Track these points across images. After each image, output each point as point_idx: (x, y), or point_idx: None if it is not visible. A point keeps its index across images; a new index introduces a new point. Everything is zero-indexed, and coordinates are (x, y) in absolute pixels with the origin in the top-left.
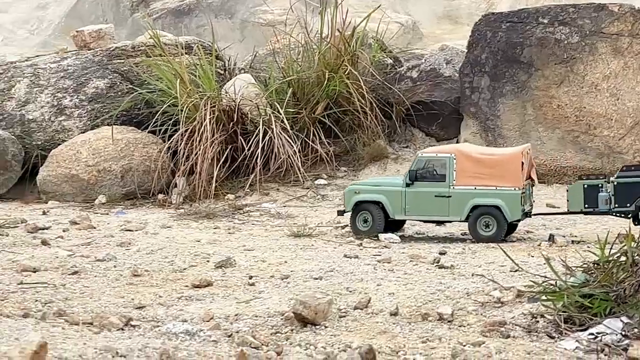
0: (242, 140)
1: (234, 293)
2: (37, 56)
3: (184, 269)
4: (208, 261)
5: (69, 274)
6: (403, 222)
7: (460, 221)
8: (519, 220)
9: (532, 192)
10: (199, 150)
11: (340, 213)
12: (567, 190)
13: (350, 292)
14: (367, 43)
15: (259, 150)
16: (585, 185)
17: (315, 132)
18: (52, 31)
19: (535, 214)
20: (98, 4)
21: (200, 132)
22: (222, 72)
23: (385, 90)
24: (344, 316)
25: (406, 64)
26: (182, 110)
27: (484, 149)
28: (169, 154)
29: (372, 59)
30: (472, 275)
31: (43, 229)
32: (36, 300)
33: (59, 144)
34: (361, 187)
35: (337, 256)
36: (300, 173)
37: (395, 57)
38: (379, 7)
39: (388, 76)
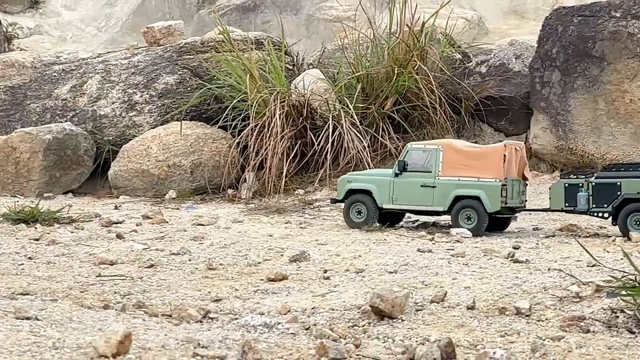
0: (312, 135)
1: (309, 286)
2: (108, 53)
3: (259, 262)
4: (282, 255)
5: (146, 267)
6: (399, 215)
7: (443, 211)
8: (505, 215)
9: (523, 190)
10: (269, 145)
11: (334, 201)
12: (550, 189)
13: (426, 285)
14: (435, 38)
15: (329, 145)
16: (566, 185)
17: (384, 127)
18: (119, 28)
19: (520, 210)
20: (165, 1)
21: (270, 127)
22: (290, 67)
23: (454, 85)
24: (421, 310)
25: (475, 59)
26: (251, 106)
27: (470, 143)
28: (238, 149)
29: (440, 54)
30: (549, 269)
31: (117, 223)
32: (115, 292)
33: (130, 140)
34: (354, 177)
35: (410, 250)
36: (370, 168)
37: (464, 52)
38: (448, 2)
39: (457, 71)
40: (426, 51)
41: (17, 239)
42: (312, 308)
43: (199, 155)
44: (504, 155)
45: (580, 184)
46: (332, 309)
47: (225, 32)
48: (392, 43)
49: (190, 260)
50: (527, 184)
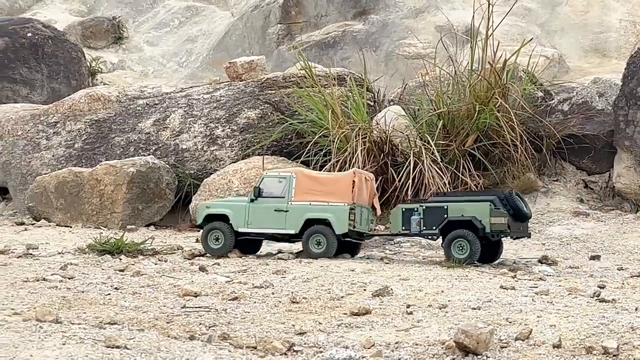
0: (393, 171)
1: (392, 321)
2: (191, 87)
3: (341, 297)
4: (364, 289)
5: (229, 300)
6: (257, 242)
7: (295, 234)
8: (355, 240)
9: (372, 219)
10: None
11: (195, 226)
12: (390, 214)
13: (510, 322)
14: (517, 76)
15: (410, 181)
16: (403, 209)
17: (465, 164)
18: (199, 63)
19: (369, 236)
20: (245, 37)
21: (352, 162)
22: (371, 103)
23: (536, 123)
24: (505, 347)
25: (557, 97)
26: (333, 141)
27: (322, 172)
28: None
29: (522, 91)
30: (636, 309)
31: (199, 255)
32: (200, 324)
33: (211, 173)
34: (212, 203)
35: (492, 287)
36: None
37: (546, 90)
38: (530, 40)
39: (538, 109)
40: (508, 88)
41: (102, 269)
42: (396, 343)
43: None
44: (353, 181)
45: (415, 209)
46: (416, 344)
47: (308, 67)
48: (474, 80)
49: (273, 293)
50: (375, 214)
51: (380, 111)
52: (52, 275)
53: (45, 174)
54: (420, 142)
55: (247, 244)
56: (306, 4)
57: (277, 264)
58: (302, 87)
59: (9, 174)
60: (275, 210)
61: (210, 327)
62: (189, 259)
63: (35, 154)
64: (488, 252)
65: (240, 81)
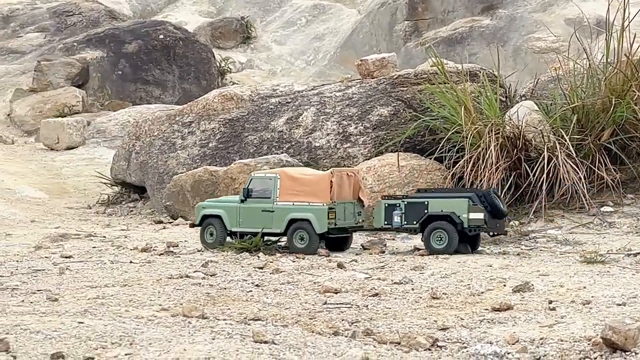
0: (526, 166)
1: (535, 317)
2: (323, 85)
3: (481, 292)
4: (504, 285)
5: (370, 296)
6: (345, 240)
7: (281, 233)
8: (341, 235)
9: (359, 211)
10: (484, 176)
11: (192, 225)
12: (373, 209)
13: None
14: None
15: (544, 176)
16: (386, 205)
17: (601, 159)
18: (327, 61)
19: (356, 230)
20: (372, 34)
21: (485, 158)
22: (503, 99)
23: None
24: None
25: None
26: (466, 137)
27: (304, 170)
28: (453, 180)
29: None
30: None
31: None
32: (343, 320)
33: None
34: (207, 204)
35: (637, 282)
36: (586, 200)
37: None
38: None
39: None
40: None
41: (242, 267)
42: (541, 339)
43: (414, 187)
44: (331, 181)
45: (397, 204)
46: (561, 340)
47: (440, 64)
48: (610, 73)
49: (413, 289)
50: (363, 206)
51: (512, 106)
52: (194, 272)
53: (181, 173)
54: (554, 137)
55: (334, 242)
56: (433, 0)
57: (414, 260)
58: (433, 84)
59: (146, 174)
60: (262, 211)
61: (352, 323)
62: (326, 256)
63: (171, 153)
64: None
65: (372, 78)
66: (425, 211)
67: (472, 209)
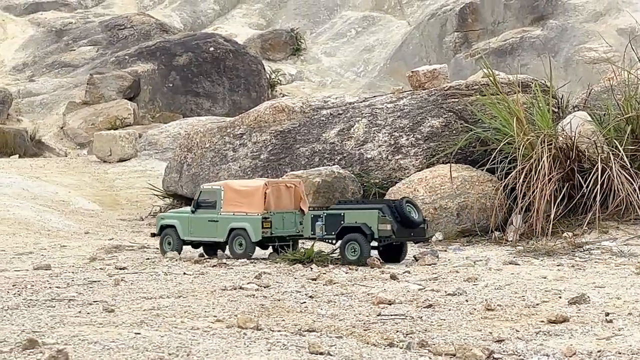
0: (579, 177)
1: (592, 329)
2: (374, 97)
3: (537, 304)
4: (560, 297)
5: (424, 307)
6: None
7: (223, 242)
8: (283, 243)
9: (300, 221)
10: (536, 188)
11: (152, 235)
12: (302, 219)
13: None
14: None
15: (597, 187)
16: (312, 216)
17: None
18: (377, 73)
19: (297, 237)
20: (422, 45)
21: (537, 170)
22: (555, 110)
23: None
24: None
25: None
26: (518, 149)
27: (247, 182)
28: (505, 191)
29: None
30: None
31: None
32: (397, 331)
33: (396, 182)
34: (166, 215)
35: None
36: None
37: None
38: None
39: None
40: None
41: (295, 278)
42: (598, 351)
43: (465, 198)
44: (265, 193)
45: (320, 215)
46: (619, 353)
47: (492, 75)
48: None
49: (467, 300)
50: (304, 215)
51: (564, 117)
52: (248, 284)
53: None
54: (608, 148)
55: (390, 252)
56: (483, 11)
57: (467, 272)
58: (485, 95)
59: (198, 185)
60: (209, 221)
61: (407, 334)
62: (378, 268)
63: (223, 165)
64: (394, 253)
65: (423, 90)
66: (342, 222)
67: (381, 220)
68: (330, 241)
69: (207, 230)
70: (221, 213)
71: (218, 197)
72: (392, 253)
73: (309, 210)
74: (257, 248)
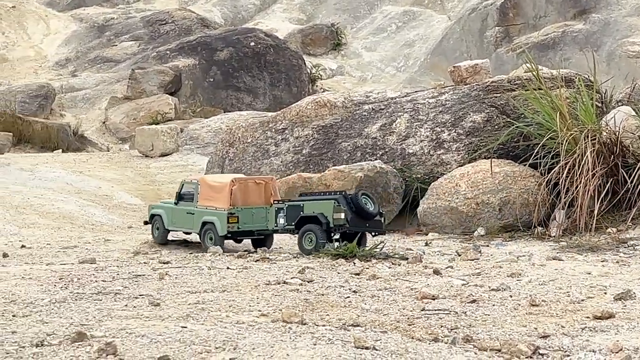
0: (624, 173)
1: (638, 325)
2: (416, 92)
3: (581, 300)
4: (605, 293)
5: (468, 302)
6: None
7: (197, 233)
8: (256, 237)
9: (270, 216)
10: (580, 183)
11: (145, 222)
12: (268, 212)
13: None
14: None
15: None
16: (276, 208)
17: None
18: (417, 68)
19: (261, 232)
20: (462, 40)
21: (581, 165)
22: (599, 104)
23: None
24: None
25: None
26: (561, 144)
27: (221, 177)
28: (548, 187)
29: None
30: None
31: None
32: (442, 326)
33: (438, 177)
34: (155, 205)
35: None
36: None
37: None
38: None
39: None
40: None
41: (338, 273)
42: None
43: (508, 193)
44: (231, 189)
45: (282, 207)
46: None
47: (535, 69)
48: None
49: (511, 296)
50: None
51: (608, 112)
52: (291, 278)
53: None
54: None
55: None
56: (524, 5)
57: (511, 267)
58: (528, 90)
59: None
60: (187, 213)
61: (452, 329)
62: (420, 262)
63: (265, 160)
64: (356, 243)
65: (465, 85)
66: (301, 213)
67: (336, 210)
68: (291, 232)
69: (186, 221)
70: (197, 206)
71: (195, 190)
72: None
73: (273, 203)
74: (234, 242)
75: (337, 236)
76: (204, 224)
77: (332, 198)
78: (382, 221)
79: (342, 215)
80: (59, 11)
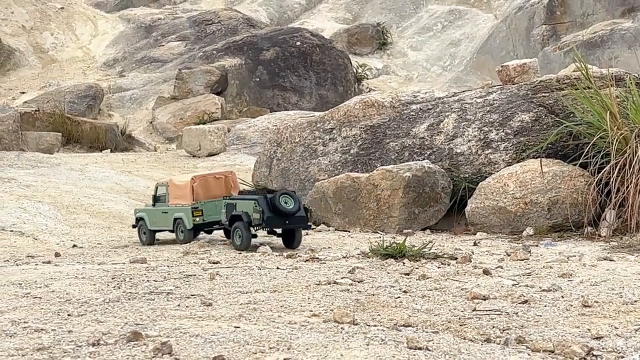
0: None
1: None
2: (464, 91)
3: (635, 301)
4: None
5: (519, 303)
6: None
7: (171, 230)
8: (213, 228)
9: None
10: (630, 183)
11: (133, 226)
12: (223, 207)
13: None
14: None
15: None
16: (225, 204)
17: None
18: (463, 67)
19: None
20: (509, 39)
21: (632, 164)
22: None
23: None
24: None
25: None
26: (611, 143)
27: (182, 177)
28: (598, 186)
29: None
30: None
31: (479, 259)
32: (493, 327)
33: (486, 177)
34: (139, 209)
35: None
36: None
37: None
38: None
39: None
40: None
41: (388, 273)
42: None
43: (556, 193)
44: (192, 186)
45: (225, 204)
46: None
47: (584, 68)
48: None
49: (562, 297)
50: None
51: None
52: (342, 278)
53: (323, 179)
54: None
55: (286, 239)
56: (571, 3)
57: (561, 267)
58: (577, 89)
59: (288, 180)
60: (162, 212)
61: (504, 330)
62: (470, 263)
63: (312, 160)
64: (289, 240)
65: (513, 84)
66: (234, 210)
67: (254, 210)
68: (224, 228)
69: (163, 220)
70: (169, 205)
71: (166, 192)
72: (288, 240)
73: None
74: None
75: (261, 232)
76: (175, 220)
77: (252, 199)
78: (307, 216)
79: (258, 216)
80: (106, 12)
